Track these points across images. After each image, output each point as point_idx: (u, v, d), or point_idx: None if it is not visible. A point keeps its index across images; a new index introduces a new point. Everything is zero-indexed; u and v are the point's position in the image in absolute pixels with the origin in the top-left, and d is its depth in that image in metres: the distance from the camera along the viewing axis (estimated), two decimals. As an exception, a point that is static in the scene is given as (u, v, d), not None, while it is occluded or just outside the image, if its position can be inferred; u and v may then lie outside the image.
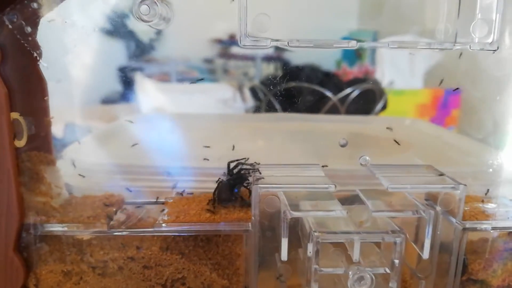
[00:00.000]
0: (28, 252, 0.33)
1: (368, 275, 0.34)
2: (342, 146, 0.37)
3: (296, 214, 0.34)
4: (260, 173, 0.35)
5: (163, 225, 0.34)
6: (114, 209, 0.35)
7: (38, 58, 0.33)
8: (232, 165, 0.35)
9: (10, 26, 0.30)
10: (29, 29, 0.32)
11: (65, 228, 0.33)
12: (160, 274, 0.34)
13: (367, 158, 0.36)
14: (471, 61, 0.39)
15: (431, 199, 0.38)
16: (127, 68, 0.49)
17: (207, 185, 0.38)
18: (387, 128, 0.40)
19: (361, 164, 0.37)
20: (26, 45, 0.32)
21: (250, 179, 0.35)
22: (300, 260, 0.37)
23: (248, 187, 0.34)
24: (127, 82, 0.51)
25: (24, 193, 0.33)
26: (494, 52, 0.33)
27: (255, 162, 0.37)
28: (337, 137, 0.52)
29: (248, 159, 0.36)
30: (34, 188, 0.33)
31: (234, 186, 0.34)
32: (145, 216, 0.35)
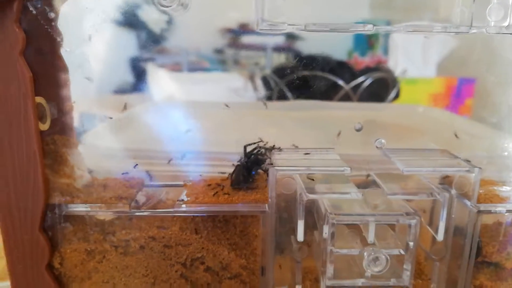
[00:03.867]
0: (53, 232, 0.34)
1: (383, 256, 0.34)
2: (358, 130, 0.38)
3: (312, 196, 0.34)
4: (276, 156, 0.36)
5: (183, 206, 0.35)
6: (135, 191, 0.36)
7: (60, 44, 0.34)
8: (248, 148, 0.36)
9: (34, 12, 0.31)
10: (52, 14, 0.32)
11: (89, 208, 0.34)
12: (180, 254, 0.35)
13: (383, 141, 0.37)
14: (485, 47, 0.39)
15: (446, 183, 0.38)
16: (139, 58, 0.50)
17: (221, 169, 0.39)
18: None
19: (376, 147, 0.37)
20: (49, 30, 0.32)
21: (266, 162, 0.36)
22: (315, 242, 0.38)
23: (265, 169, 0.35)
24: (140, 72, 0.51)
25: (49, 174, 0.34)
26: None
27: (272, 146, 0.37)
28: (350, 124, 0.52)
29: (266, 143, 0.36)
30: (58, 170, 0.35)
31: (251, 169, 0.35)
32: (165, 198, 0.36)
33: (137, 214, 0.34)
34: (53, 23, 0.33)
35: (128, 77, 0.51)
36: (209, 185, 0.35)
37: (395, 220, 0.35)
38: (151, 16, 0.39)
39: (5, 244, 0.34)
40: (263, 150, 0.36)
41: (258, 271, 0.36)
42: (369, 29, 0.32)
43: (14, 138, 0.32)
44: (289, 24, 0.31)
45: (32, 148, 0.32)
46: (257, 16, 0.31)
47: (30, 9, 0.31)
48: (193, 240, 0.35)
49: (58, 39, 0.34)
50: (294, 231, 0.37)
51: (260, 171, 0.37)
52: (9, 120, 0.31)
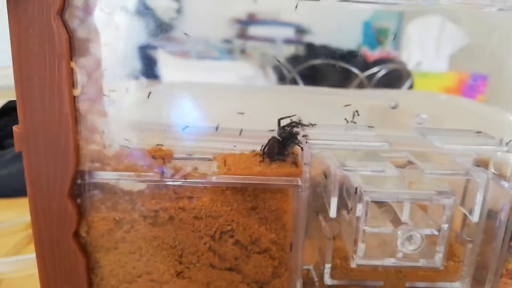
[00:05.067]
0: (81, 199, 0.34)
1: (418, 235, 0.34)
2: (393, 108, 0.37)
3: (348, 172, 0.33)
4: (310, 130, 0.35)
5: (214, 177, 0.34)
6: (164, 161, 0.35)
7: (94, 6, 0.33)
8: (282, 122, 0.35)
9: (73, -30, 0.30)
10: (89, -25, 0.32)
11: (119, 177, 0.33)
12: (209, 226, 0.34)
13: (424, 116, 0.36)
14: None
15: (480, 164, 0.37)
16: (148, 45, 0.49)
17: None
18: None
19: (417, 123, 0.36)
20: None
21: (300, 135, 0.35)
22: (343, 220, 0.37)
23: (299, 144, 0.34)
24: (149, 59, 0.50)
25: (79, 140, 0.33)
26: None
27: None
28: (369, 110, 0.51)
29: (299, 118, 0.36)
30: (88, 136, 0.34)
31: (284, 142, 0.34)
32: (195, 169, 0.36)
33: (168, 183, 0.33)
34: (88, -15, 0.32)
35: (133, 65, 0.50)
36: (251, 158, 0.35)
37: (431, 199, 0.34)
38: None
39: (31, 210, 0.33)
40: (297, 124, 0.35)
41: (287, 247, 0.35)
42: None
43: (47, 100, 0.31)
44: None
45: (64, 111, 0.31)
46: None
47: (70, -34, 0.30)
48: (223, 212, 0.34)
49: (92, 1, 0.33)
50: (320, 208, 0.36)
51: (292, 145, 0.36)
52: (43, 81, 0.31)
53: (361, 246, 0.35)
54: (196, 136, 0.43)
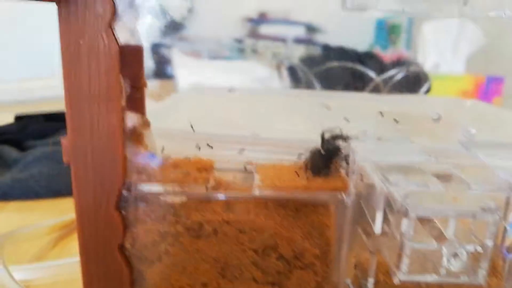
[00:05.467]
0: (126, 211, 0.34)
1: (464, 252, 0.33)
2: (435, 120, 0.37)
3: (395, 188, 0.33)
4: (353, 143, 0.35)
5: (257, 190, 0.34)
6: (208, 173, 0.35)
7: (138, 16, 0.33)
8: (326, 135, 0.35)
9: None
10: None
11: (165, 189, 0.33)
12: (253, 239, 0.34)
13: (473, 131, 0.36)
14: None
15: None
16: (161, 45, 0.49)
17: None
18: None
19: (465, 137, 0.36)
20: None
21: (344, 149, 0.35)
22: (385, 235, 0.37)
23: (346, 159, 0.34)
24: (164, 58, 0.51)
25: (126, 152, 0.33)
26: None
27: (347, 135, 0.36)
28: (387, 116, 0.51)
29: (341, 130, 0.36)
30: (134, 148, 0.34)
31: (329, 157, 0.34)
32: (237, 182, 0.35)
33: (213, 196, 0.33)
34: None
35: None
36: (294, 171, 0.35)
37: (476, 216, 0.34)
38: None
39: (78, 221, 0.33)
40: (341, 138, 0.35)
41: (330, 262, 0.35)
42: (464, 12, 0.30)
43: (96, 112, 0.31)
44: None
45: (113, 124, 0.31)
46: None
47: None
48: (267, 226, 0.34)
49: (136, 12, 0.33)
50: (360, 221, 0.36)
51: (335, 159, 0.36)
52: (92, 94, 0.31)
53: (406, 262, 0.34)
54: (230, 144, 0.43)
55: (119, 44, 0.30)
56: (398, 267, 0.35)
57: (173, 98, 0.56)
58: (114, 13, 0.30)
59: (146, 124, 0.36)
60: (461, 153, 0.37)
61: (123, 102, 0.34)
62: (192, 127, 0.38)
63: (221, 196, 0.34)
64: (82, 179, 0.32)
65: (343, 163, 0.35)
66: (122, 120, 0.32)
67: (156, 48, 0.49)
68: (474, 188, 0.34)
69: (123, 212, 0.33)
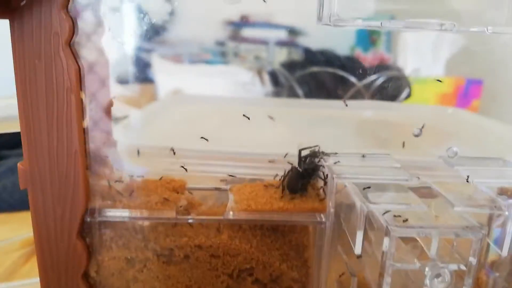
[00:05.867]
0: (91, 238, 0.31)
1: (447, 271, 0.32)
2: (416, 136, 0.35)
3: (376, 207, 0.32)
4: (331, 161, 0.34)
5: (231, 213, 0.32)
6: (179, 195, 0.33)
7: (103, 33, 0.31)
8: (303, 153, 0.33)
9: (84, -3, 0.28)
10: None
11: (132, 214, 0.31)
12: (227, 264, 0.32)
13: (455, 149, 0.34)
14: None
15: (504, 193, 0.36)
16: (141, 48, 0.47)
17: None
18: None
19: (448, 157, 0.35)
20: (96, 18, 0.29)
21: (322, 168, 0.33)
22: (366, 254, 0.36)
23: (324, 179, 0.32)
24: (142, 63, 0.49)
25: (89, 176, 0.31)
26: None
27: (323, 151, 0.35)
28: (371, 125, 0.50)
29: (319, 148, 0.34)
30: (98, 171, 0.32)
31: (307, 175, 0.32)
32: (211, 203, 0.34)
33: (186, 221, 0.31)
34: (99, 11, 0.30)
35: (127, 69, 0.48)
36: (266, 186, 0.33)
37: (460, 235, 0.32)
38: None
39: (38, 251, 0.31)
40: (319, 155, 0.33)
41: (309, 284, 0.33)
42: (447, 27, 0.29)
43: (55, 135, 0.29)
44: (364, 20, 0.28)
45: (73, 147, 0.29)
46: (328, 10, 0.29)
47: (80, -6, 0.27)
48: (242, 249, 0.32)
49: (101, 29, 0.31)
50: (340, 239, 0.35)
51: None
52: (50, 116, 0.28)
53: (387, 282, 0.33)
54: (205, 160, 0.41)
55: (79, 63, 0.28)
56: (379, 287, 0.33)
57: (151, 108, 0.54)
58: (73, 31, 0.27)
59: (112, 144, 0.34)
60: (443, 168, 0.36)
61: (85, 123, 0.31)
62: (173, 151, 0.36)
63: (192, 220, 0.32)
64: (41, 206, 0.30)
65: (321, 182, 0.33)
66: (84, 142, 0.30)
67: (136, 53, 0.47)
68: (457, 206, 0.32)
69: (87, 239, 0.31)
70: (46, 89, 0.28)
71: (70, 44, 0.27)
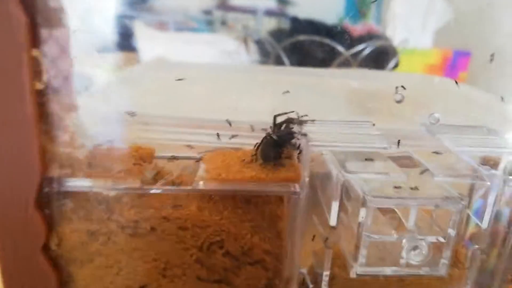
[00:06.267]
0: (50, 209, 0.29)
1: (424, 244, 0.31)
2: (398, 101, 0.34)
3: (351, 176, 0.30)
4: (307, 128, 0.32)
5: (202, 183, 0.30)
6: (145, 163, 0.31)
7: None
8: (278, 119, 0.31)
9: None
10: None
11: (93, 184, 0.29)
12: (196, 236, 0.31)
13: (437, 115, 0.33)
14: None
15: (487, 163, 0.35)
16: (125, 15, 0.44)
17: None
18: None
19: (430, 123, 0.33)
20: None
21: (298, 135, 0.32)
22: (342, 225, 0.34)
23: (299, 147, 0.31)
24: (126, 30, 0.46)
25: (45, 142, 0.28)
26: None
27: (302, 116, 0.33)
28: (353, 93, 0.48)
29: (297, 113, 0.32)
30: (56, 137, 0.29)
31: (281, 143, 0.31)
32: (180, 172, 0.32)
33: (151, 191, 0.29)
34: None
35: (109, 37, 0.45)
36: (243, 160, 0.31)
37: (439, 205, 0.31)
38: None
39: (-8, 222, 0.29)
40: (294, 122, 0.31)
41: (282, 256, 0.32)
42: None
43: (4, 98, 0.26)
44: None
45: (26, 110, 0.27)
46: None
47: None
48: (212, 221, 0.31)
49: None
50: (315, 209, 0.33)
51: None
52: (-1, 76, 0.26)
53: (363, 254, 0.32)
54: (178, 128, 0.39)
55: (31, 15, 0.25)
56: (355, 259, 0.32)
57: (127, 74, 0.51)
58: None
59: (72, 108, 0.31)
60: (425, 136, 0.34)
61: (43, 83, 0.29)
62: (132, 114, 0.34)
63: (158, 190, 0.30)
64: (-7, 175, 0.28)
65: (297, 150, 0.31)
66: (37, 105, 0.27)
67: (119, 20, 0.44)
68: (437, 175, 0.31)
69: (45, 210, 0.29)
70: (-7, 46, 0.25)
71: (18, -3, 0.24)
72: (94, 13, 0.38)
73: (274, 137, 0.30)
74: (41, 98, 0.28)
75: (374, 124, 0.34)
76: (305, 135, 0.30)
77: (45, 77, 0.29)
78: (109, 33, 0.45)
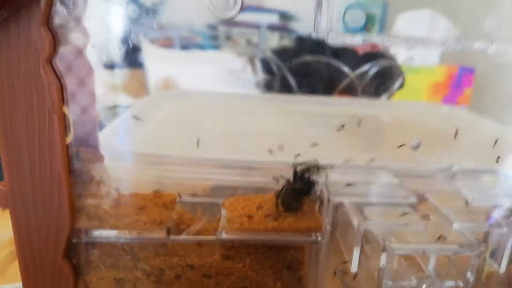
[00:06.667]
0: (78, 259, 0.30)
1: (444, 289, 0.32)
2: (415, 147, 0.34)
3: (373, 224, 0.31)
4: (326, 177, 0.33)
5: (224, 233, 0.31)
6: (169, 212, 0.32)
7: (87, 43, 0.29)
8: (299, 168, 0.32)
9: (64, 11, 0.26)
10: (81, 10, 0.27)
11: (120, 235, 0.30)
12: (220, 284, 0.31)
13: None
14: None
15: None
16: (131, 33, 0.45)
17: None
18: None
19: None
20: (78, 29, 0.27)
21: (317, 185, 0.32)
22: (363, 269, 0.35)
23: (321, 198, 0.31)
24: (131, 48, 0.47)
25: (74, 195, 0.29)
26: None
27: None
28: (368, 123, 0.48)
29: (316, 161, 0.32)
30: (84, 189, 0.30)
31: (303, 193, 0.31)
32: (203, 220, 0.32)
33: (177, 241, 0.30)
34: (80, 20, 0.28)
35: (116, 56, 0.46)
36: (259, 207, 0.32)
37: (458, 252, 0.32)
38: None
39: (22, 273, 0.30)
40: (315, 171, 0.32)
41: (304, 302, 0.33)
42: (449, 46, 0.27)
43: (37, 156, 0.27)
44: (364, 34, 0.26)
45: (57, 167, 0.28)
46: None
47: (60, 7, 0.25)
48: (235, 269, 0.31)
49: (85, 38, 0.29)
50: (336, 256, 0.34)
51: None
52: (31, 135, 0.27)
53: (383, 298, 0.32)
54: (190, 166, 0.39)
55: (61, 79, 0.26)
56: (375, 304, 0.33)
57: (137, 108, 0.51)
58: (53, 47, 0.25)
59: (99, 159, 0.32)
60: (441, 181, 0.35)
61: (70, 137, 0.30)
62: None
63: (183, 240, 0.31)
64: (24, 228, 0.28)
65: (317, 200, 0.32)
66: (68, 160, 0.28)
67: (126, 37, 0.45)
68: (456, 223, 0.31)
69: (73, 260, 0.30)
70: (27, 109, 0.26)
71: (51, 62, 0.25)
72: (100, 30, 0.39)
73: (296, 186, 0.31)
74: (70, 152, 0.29)
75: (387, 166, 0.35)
76: (326, 186, 0.31)
77: (72, 131, 0.30)
78: (115, 50, 0.46)
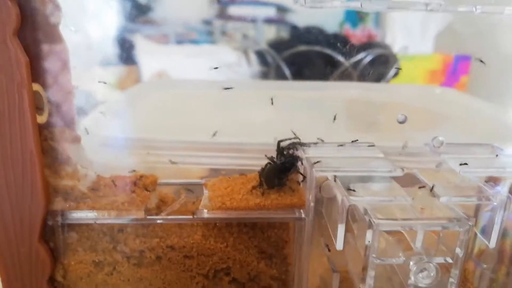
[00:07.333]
0: (54, 242, 0.29)
1: (433, 266, 0.31)
2: (401, 122, 0.33)
3: (356, 200, 0.30)
4: (310, 152, 0.32)
5: (206, 212, 0.30)
6: (149, 192, 0.31)
7: (60, 20, 0.28)
8: (282, 144, 0.31)
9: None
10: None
11: (97, 215, 0.29)
12: (202, 264, 0.30)
13: (441, 139, 0.33)
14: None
15: (491, 180, 0.34)
16: (125, 29, 0.44)
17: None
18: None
19: (433, 146, 0.33)
20: (48, 5, 0.26)
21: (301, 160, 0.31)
22: (349, 247, 0.34)
23: (301, 171, 0.30)
24: (126, 44, 0.46)
25: (49, 176, 0.28)
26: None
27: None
28: (354, 107, 0.48)
29: (299, 139, 0.32)
30: (59, 170, 0.29)
31: (285, 169, 0.30)
32: (184, 200, 0.32)
33: (157, 221, 0.29)
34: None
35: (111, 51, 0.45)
36: (247, 186, 0.31)
37: (446, 227, 0.31)
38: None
39: (-1, 258, 0.29)
40: (298, 147, 0.31)
41: (289, 282, 0.32)
42: (433, 8, 0.27)
43: (7, 135, 0.26)
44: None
45: (29, 146, 0.27)
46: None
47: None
48: (217, 249, 0.30)
49: (58, 15, 0.28)
50: (323, 233, 0.33)
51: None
52: (1, 113, 0.26)
53: (370, 277, 0.32)
54: (181, 150, 0.39)
55: (31, 54, 0.25)
56: (363, 282, 0.32)
57: (132, 92, 0.50)
58: (19, 20, 0.25)
59: (75, 139, 0.31)
60: (429, 155, 0.34)
61: (45, 117, 0.29)
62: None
63: (163, 220, 0.30)
64: (-3, 210, 0.27)
65: (301, 175, 0.31)
66: (40, 140, 0.27)
67: (120, 33, 0.44)
68: (443, 197, 0.31)
69: (50, 243, 0.29)
70: (-6, 85, 0.25)
71: (17, 34, 0.24)
72: (94, 27, 0.38)
73: (278, 162, 0.30)
74: (43, 131, 0.28)
75: (374, 145, 0.34)
76: (309, 161, 0.30)
77: (46, 110, 0.29)
78: (109, 47, 0.45)
